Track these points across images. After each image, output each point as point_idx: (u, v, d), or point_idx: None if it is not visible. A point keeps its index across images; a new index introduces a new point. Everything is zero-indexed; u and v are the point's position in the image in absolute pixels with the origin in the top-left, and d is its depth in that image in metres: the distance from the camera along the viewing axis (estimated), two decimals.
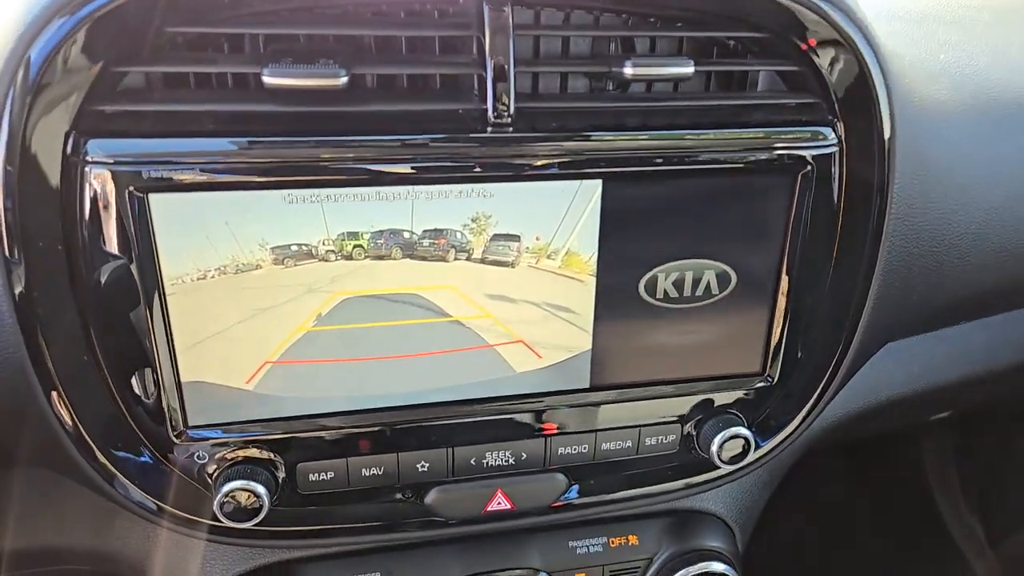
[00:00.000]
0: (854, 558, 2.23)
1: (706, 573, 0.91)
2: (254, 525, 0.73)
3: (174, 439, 0.70)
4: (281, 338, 0.69)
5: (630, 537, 0.93)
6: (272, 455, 0.72)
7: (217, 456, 0.71)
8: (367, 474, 0.75)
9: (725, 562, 0.92)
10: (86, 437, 0.68)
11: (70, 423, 0.67)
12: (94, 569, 0.89)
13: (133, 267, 0.62)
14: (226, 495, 0.69)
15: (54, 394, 0.65)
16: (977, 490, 2.04)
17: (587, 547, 0.92)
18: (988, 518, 1.98)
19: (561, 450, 0.79)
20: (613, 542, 0.93)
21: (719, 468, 0.85)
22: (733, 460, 0.81)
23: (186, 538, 0.84)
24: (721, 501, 0.99)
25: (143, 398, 0.68)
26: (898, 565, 2.19)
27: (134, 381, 0.67)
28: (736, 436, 0.79)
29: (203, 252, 0.64)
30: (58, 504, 0.84)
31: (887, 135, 0.74)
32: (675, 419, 0.81)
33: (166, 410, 0.68)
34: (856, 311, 0.83)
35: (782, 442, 0.87)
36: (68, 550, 0.85)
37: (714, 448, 0.80)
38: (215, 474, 0.71)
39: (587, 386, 0.78)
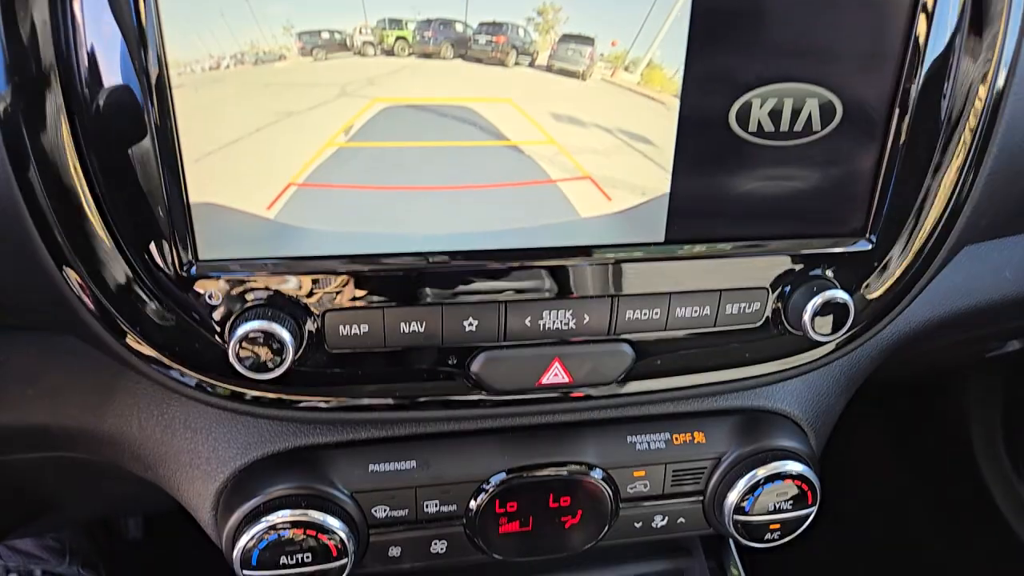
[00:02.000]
0: (891, 519, 2.14)
1: (781, 473, 0.80)
2: (274, 384, 0.64)
3: (182, 275, 0.59)
4: (308, 154, 0.58)
5: (696, 434, 0.82)
6: (297, 299, 0.62)
7: (233, 297, 0.60)
8: (406, 331, 0.64)
9: (802, 462, 0.82)
10: (80, 274, 0.59)
11: (59, 245, 0.57)
12: (91, 458, 0.80)
13: (131, 48, 0.52)
14: (244, 338, 0.58)
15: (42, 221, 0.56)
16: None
17: (648, 443, 0.81)
18: None
19: (629, 314, 0.68)
20: (677, 439, 0.82)
21: (807, 350, 0.75)
22: (828, 332, 0.70)
23: (193, 416, 0.75)
24: (795, 402, 0.88)
25: (145, 224, 0.58)
26: (936, 527, 2.10)
27: (134, 202, 0.57)
28: (833, 302, 0.68)
29: (217, 32, 0.53)
30: (51, 376, 0.75)
31: None
32: (761, 284, 0.70)
33: (172, 240, 0.58)
34: (970, 175, 0.72)
35: (877, 321, 0.76)
36: (61, 430, 0.76)
37: (807, 317, 0.69)
38: (231, 318, 0.61)
39: (662, 239, 0.67)
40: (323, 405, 0.68)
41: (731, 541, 1.05)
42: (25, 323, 0.70)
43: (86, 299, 0.59)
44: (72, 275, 0.58)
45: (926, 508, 2.15)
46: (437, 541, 0.79)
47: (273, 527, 0.70)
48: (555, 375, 0.70)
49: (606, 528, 0.82)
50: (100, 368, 0.72)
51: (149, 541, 1.79)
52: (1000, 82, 0.67)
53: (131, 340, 0.62)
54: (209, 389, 0.64)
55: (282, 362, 0.59)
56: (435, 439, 0.77)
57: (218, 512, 0.75)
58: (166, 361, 0.63)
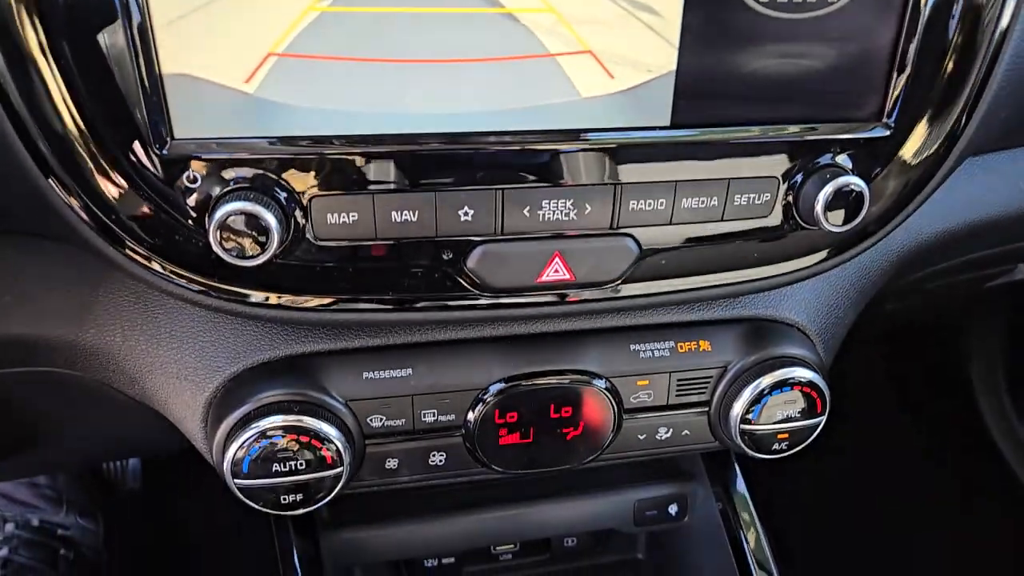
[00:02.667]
0: (888, 458, 2.14)
1: (789, 380, 0.78)
2: (263, 282, 0.60)
3: (157, 155, 0.55)
4: (287, 19, 0.54)
5: (701, 343, 0.80)
6: (281, 183, 0.58)
7: (213, 180, 0.56)
8: (398, 220, 0.61)
9: (811, 370, 0.79)
10: (52, 161, 0.55)
11: (27, 128, 0.53)
12: (75, 373, 0.77)
13: None
14: (225, 220, 0.55)
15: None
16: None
17: (652, 351, 0.78)
18: None
19: (633, 204, 0.65)
20: (682, 347, 0.79)
21: (819, 249, 0.72)
22: (841, 222, 0.67)
23: (179, 325, 0.72)
24: (804, 312, 0.85)
25: (115, 100, 0.54)
26: (935, 468, 2.10)
27: (102, 75, 0.53)
28: (846, 188, 0.65)
29: None
30: (28, 283, 0.72)
31: None
32: (772, 174, 0.67)
33: (145, 117, 0.54)
34: (991, 58, 0.68)
35: (891, 218, 0.73)
36: (43, 343, 0.73)
37: (819, 206, 0.65)
38: (212, 203, 0.57)
39: (668, 123, 0.63)
40: (313, 304, 0.65)
41: (736, 464, 1.03)
42: None
43: (55, 186, 0.56)
44: (49, 167, 0.55)
45: (924, 449, 2.15)
46: (436, 453, 0.76)
47: (264, 433, 0.67)
48: (555, 271, 0.66)
49: (609, 440, 0.79)
50: (80, 272, 0.69)
51: (146, 493, 1.78)
52: None
53: (107, 228, 0.59)
54: (189, 285, 0.61)
55: (267, 248, 0.56)
56: (432, 347, 0.75)
57: (208, 424, 0.72)
58: (143, 253, 0.59)
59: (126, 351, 0.73)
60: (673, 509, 1.04)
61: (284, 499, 0.70)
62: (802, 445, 0.82)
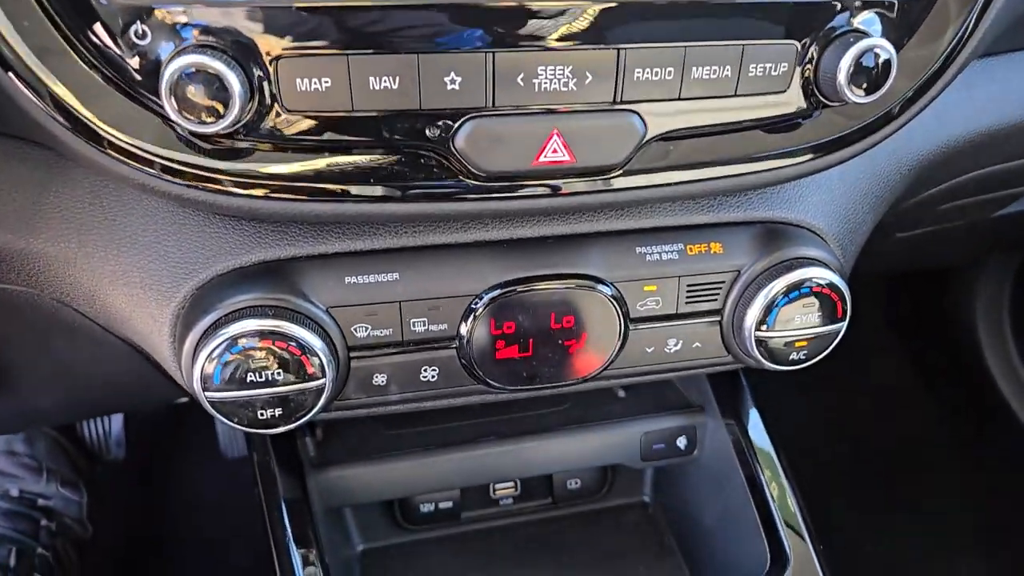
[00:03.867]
0: (892, 410, 2.11)
1: (808, 280, 0.72)
2: (225, 161, 0.54)
3: (101, 6, 0.48)
4: None
5: (712, 245, 0.74)
6: (242, 41, 0.51)
7: (164, 34, 0.49)
8: (376, 88, 0.54)
9: (831, 271, 0.74)
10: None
11: None
12: (30, 292, 0.71)
13: None
14: (178, 75, 0.48)
15: None
16: None
17: (659, 254, 0.73)
18: None
19: (638, 73, 0.58)
20: (691, 249, 0.73)
21: (838, 135, 0.66)
22: (864, 92, 0.61)
23: (140, 228, 0.65)
24: (821, 215, 0.79)
25: None
26: (939, 419, 2.07)
27: None
28: (872, 51, 0.59)
29: None
30: None
31: None
32: (789, 40, 0.61)
33: None
34: None
35: (912, 102, 0.67)
36: None
37: (842, 76, 0.59)
38: (165, 62, 0.51)
39: None
40: (287, 193, 0.59)
41: (748, 393, 0.98)
42: None
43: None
44: None
45: (928, 399, 2.12)
46: (427, 368, 0.70)
47: (236, 340, 0.61)
48: (554, 151, 0.60)
49: (614, 354, 0.74)
50: (30, 169, 0.63)
51: (130, 461, 1.72)
52: None
53: (58, 103, 0.52)
54: (149, 166, 0.55)
55: (229, 110, 0.50)
56: (421, 251, 0.69)
57: (176, 338, 0.66)
58: (97, 126, 0.53)
59: (83, 259, 0.66)
60: (682, 442, 0.99)
61: (262, 414, 0.64)
62: (821, 355, 0.77)
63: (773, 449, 0.96)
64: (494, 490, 1.05)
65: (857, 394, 2.16)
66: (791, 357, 0.75)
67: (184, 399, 1.29)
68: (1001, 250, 1.78)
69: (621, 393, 1.02)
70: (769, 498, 0.93)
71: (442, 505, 1.01)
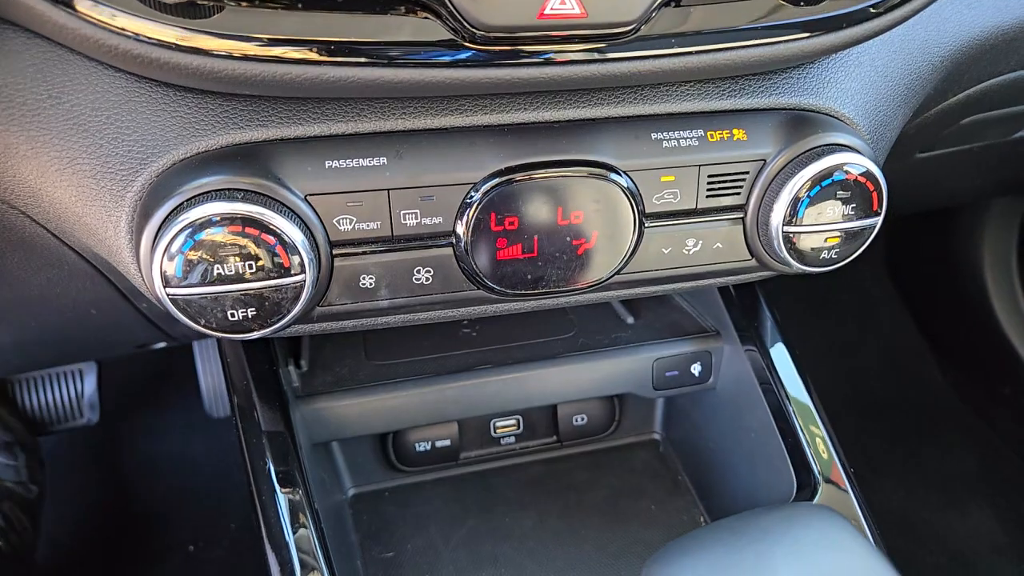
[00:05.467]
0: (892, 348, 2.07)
1: (841, 167, 0.65)
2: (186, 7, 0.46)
3: None
4: None
5: (735, 131, 0.67)
6: None
7: None
8: None
9: (865, 157, 0.67)
10: None
11: None
12: None
13: None
14: None
15: None
16: None
17: (677, 140, 0.65)
18: None
19: None
20: (712, 135, 0.66)
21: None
22: None
23: (87, 106, 0.56)
24: (850, 103, 0.71)
25: None
26: (940, 364, 2.03)
27: None
28: None
29: None
30: None
31: None
32: None
33: None
34: None
35: None
36: None
37: None
38: None
39: None
40: (260, 52, 0.51)
41: (769, 315, 0.91)
42: None
43: None
44: None
45: (934, 348, 2.08)
46: (421, 269, 0.63)
47: (200, 225, 0.53)
48: (562, 1, 0.53)
49: (628, 255, 0.67)
50: None
51: (106, 425, 1.65)
52: None
53: None
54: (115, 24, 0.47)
55: None
56: (411, 135, 0.61)
57: (133, 234, 0.58)
58: None
59: (26, 146, 0.58)
60: (696, 369, 0.92)
61: (232, 315, 0.57)
62: (855, 254, 0.70)
63: (798, 374, 0.89)
64: (495, 428, 0.98)
65: (861, 344, 2.12)
66: (822, 256, 0.68)
67: (160, 344, 1.21)
68: (1011, 191, 1.73)
69: (630, 320, 0.95)
70: (797, 426, 0.87)
71: (439, 444, 0.94)
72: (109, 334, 1.01)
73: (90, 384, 1.61)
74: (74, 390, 1.60)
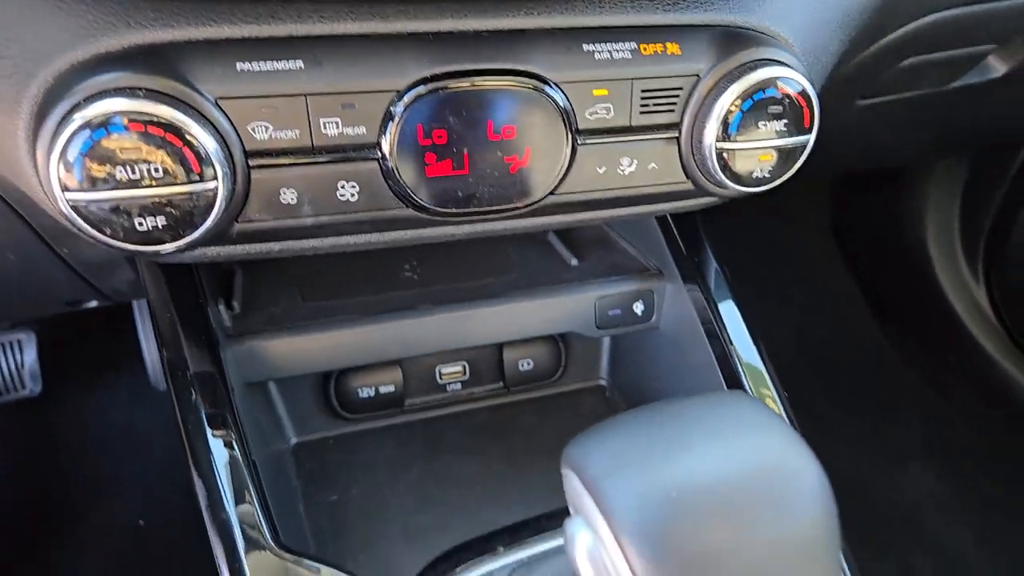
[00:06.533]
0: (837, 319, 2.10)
1: (774, 81, 0.64)
2: None
3: None
4: None
5: (668, 45, 0.66)
6: None
7: None
8: None
9: (798, 73, 0.66)
10: None
11: None
12: None
13: None
14: None
15: None
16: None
17: (610, 52, 0.64)
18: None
19: None
20: (646, 48, 0.64)
21: None
22: None
23: None
24: (785, 22, 0.71)
25: None
26: (883, 328, 2.07)
27: None
28: None
29: None
30: None
31: None
32: None
33: None
34: None
35: None
36: None
37: None
38: None
39: None
40: None
41: (710, 254, 0.91)
42: None
43: None
44: None
45: (877, 312, 2.12)
46: (345, 183, 0.60)
47: (99, 123, 0.50)
48: None
49: (562, 172, 0.65)
50: None
51: (48, 397, 1.59)
52: None
53: None
54: None
55: None
56: (330, 40, 0.58)
57: (31, 138, 0.55)
58: None
59: None
60: (639, 308, 0.91)
61: (140, 224, 0.54)
62: (786, 175, 0.70)
63: (739, 312, 0.89)
64: (440, 374, 0.96)
65: (805, 307, 2.15)
66: (755, 175, 0.68)
67: (91, 303, 1.17)
68: (951, 150, 1.76)
69: (573, 262, 0.94)
70: (737, 365, 0.87)
71: (383, 390, 0.92)
72: (32, 286, 0.97)
73: (30, 355, 1.56)
74: (14, 361, 1.54)
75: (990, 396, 1.93)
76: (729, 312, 0.89)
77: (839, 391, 2.01)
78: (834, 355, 2.07)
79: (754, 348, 0.87)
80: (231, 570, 0.66)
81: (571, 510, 0.48)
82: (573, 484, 0.46)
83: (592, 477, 0.44)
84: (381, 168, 0.61)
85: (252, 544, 0.66)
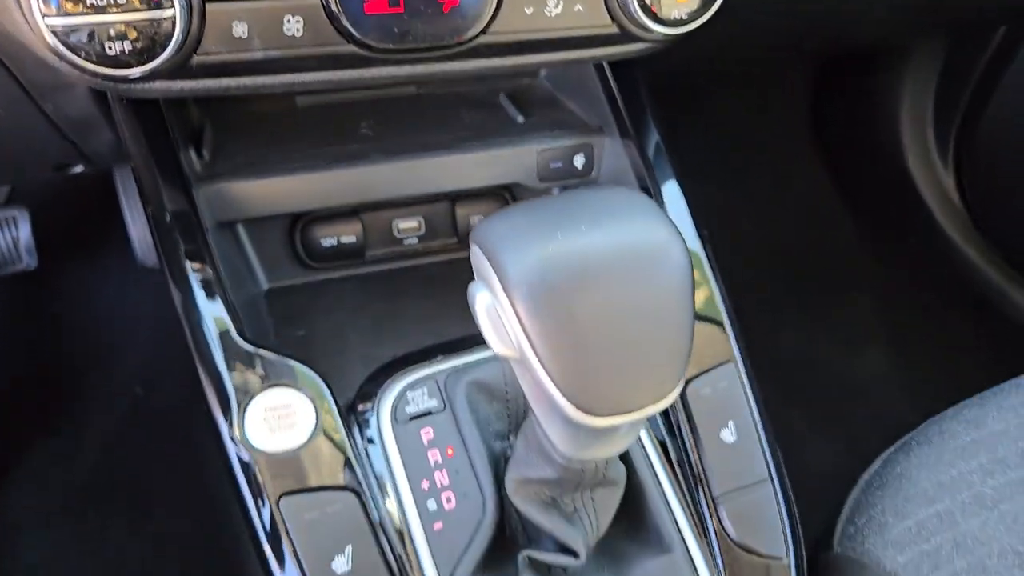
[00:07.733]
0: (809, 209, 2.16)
1: None
2: None
3: None
4: None
5: None
6: None
7: None
8: None
9: None
10: None
11: None
12: None
13: None
14: None
15: None
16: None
17: None
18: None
19: None
20: None
21: None
22: None
23: None
24: None
25: None
26: (855, 221, 2.13)
27: None
28: None
29: None
30: None
31: None
32: None
33: None
34: None
35: None
36: None
37: None
38: None
39: None
40: None
41: (649, 112, 0.97)
42: None
43: None
44: None
45: (848, 204, 2.18)
46: (291, 17, 0.67)
47: None
48: None
49: (492, 13, 0.72)
50: None
51: (40, 273, 1.68)
52: None
53: None
54: None
55: None
56: None
57: None
58: None
59: None
60: (579, 161, 0.99)
61: (110, 48, 0.61)
62: (704, 16, 0.76)
63: (672, 168, 0.97)
64: (397, 228, 1.05)
65: (777, 203, 2.21)
66: (674, 15, 0.74)
67: (77, 167, 1.24)
68: (924, 27, 1.76)
69: (520, 119, 1.01)
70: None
71: (344, 240, 1.01)
72: (20, 144, 1.04)
73: (24, 230, 1.63)
74: (10, 236, 1.62)
75: (952, 284, 2.02)
76: (662, 167, 0.97)
77: (800, 278, 2.11)
78: (800, 244, 2.14)
79: (682, 200, 0.95)
80: (203, 362, 0.75)
81: (475, 275, 0.57)
82: (477, 254, 0.55)
83: (491, 247, 0.53)
84: (322, 3, 0.67)
85: (226, 339, 0.76)
